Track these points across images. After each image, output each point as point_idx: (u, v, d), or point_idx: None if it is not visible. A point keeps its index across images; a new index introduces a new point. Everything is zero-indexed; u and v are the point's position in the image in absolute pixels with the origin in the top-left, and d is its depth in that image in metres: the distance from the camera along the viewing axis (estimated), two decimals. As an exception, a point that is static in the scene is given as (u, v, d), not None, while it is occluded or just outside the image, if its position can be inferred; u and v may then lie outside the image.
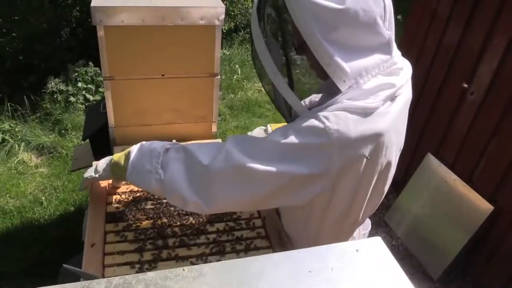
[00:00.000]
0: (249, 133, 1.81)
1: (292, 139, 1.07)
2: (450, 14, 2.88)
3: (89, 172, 1.46)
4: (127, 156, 1.35)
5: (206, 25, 2.10)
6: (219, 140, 2.41)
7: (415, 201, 3.18)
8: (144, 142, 1.34)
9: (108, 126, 2.30)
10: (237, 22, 6.75)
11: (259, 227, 1.46)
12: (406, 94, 1.21)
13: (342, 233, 1.35)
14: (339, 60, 1.03)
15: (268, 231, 1.45)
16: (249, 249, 1.39)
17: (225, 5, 2.18)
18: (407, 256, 3.13)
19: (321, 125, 1.05)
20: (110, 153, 2.37)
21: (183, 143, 1.30)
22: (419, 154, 3.22)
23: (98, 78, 4.40)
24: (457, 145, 2.92)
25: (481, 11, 2.66)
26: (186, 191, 1.17)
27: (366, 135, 1.08)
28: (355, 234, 1.44)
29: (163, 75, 2.21)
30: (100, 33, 2.01)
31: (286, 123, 1.22)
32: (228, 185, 1.13)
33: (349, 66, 1.04)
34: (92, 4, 1.95)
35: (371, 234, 3.23)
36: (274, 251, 1.37)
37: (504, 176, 2.58)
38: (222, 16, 2.10)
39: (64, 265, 1.21)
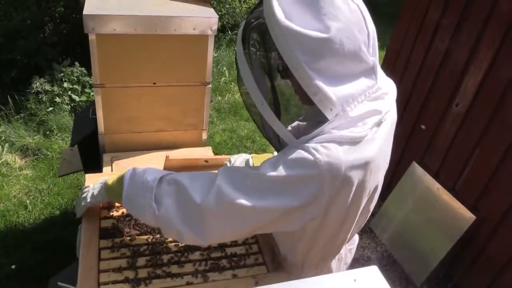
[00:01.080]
0: (231, 158, 1.79)
1: (282, 172, 1.07)
2: (436, 26, 2.94)
3: (86, 198, 1.44)
4: (120, 181, 1.32)
5: (198, 35, 2.11)
6: (209, 148, 2.42)
7: (400, 208, 3.24)
8: (136, 169, 1.31)
9: (98, 132, 2.28)
10: (224, 22, 6.73)
11: (252, 243, 1.48)
12: (391, 117, 1.23)
13: (331, 252, 1.38)
14: (325, 89, 1.03)
15: (261, 248, 1.47)
16: (243, 266, 1.40)
17: (212, 4, 2.18)
18: (391, 262, 3.19)
19: (311, 157, 1.05)
20: (99, 159, 2.36)
21: (175, 166, 1.31)
22: (404, 162, 3.28)
23: (84, 79, 4.34)
24: (442, 154, 2.98)
25: (467, 24, 2.72)
26: (181, 226, 1.17)
27: (356, 164, 1.09)
28: (342, 250, 1.47)
29: (154, 83, 2.20)
30: (92, 41, 2.00)
31: (268, 152, 1.24)
32: (221, 221, 1.15)
33: (336, 94, 1.05)
34: (84, 12, 1.93)
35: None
36: (267, 268, 1.39)
37: (486, 186, 2.65)
38: (215, 26, 2.11)
39: (59, 283, 1.20)
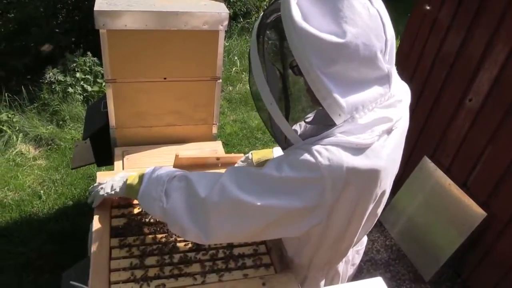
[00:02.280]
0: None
1: (286, 172, 1.08)
2: (451, 20, 2.88)
3: (105, 189, 1.49)
4: (141, 179, 1.37)
5: (209, 30, 2.10)
6: (219, 143, 2.43)
7: (410, 202, 3.23)
8: (157, 167, 1.37)
9: (109, 126, 2.31)
10: (236, 10, 6.67)
11: (260, 243, 1.49)
12: (403, 124, 1.22)
13: (337, 254, 1.39)
14: (336, 94, 1.02)
15: (269, 248, 1.48)
16: (250, 266, 1.42)
17: None
18: (400, 256, 3.19)
19: (313, 160, 1.05)
20: (111, 153, 2.39)
21: (187, 164, 1.32)
22: (415, 156, 3.25)
23: (96, 68, 4.37)
24: (454, 150, 2.95)
25: (483, 19, 2.66)
26: (186, 221, 1.20)
27: (360, 170, 1.08)
28: (349, 252, 1.48)
29: (165, 79, 2.21)
30: (103, 36, 2.01)
31: (271, 146, 1.25)
32: (224, 218, 1.16)
33: (346, 100, 1.03)
34: (95, 8, 1.94)
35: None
36: (275, 269, 1.41)
37: (498, 183, 2.63)
38: (226, 22, 2.10)
39: (71, 282, 1.23)
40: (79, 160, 2.77)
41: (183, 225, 1.21)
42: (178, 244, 1.46)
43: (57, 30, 5.16)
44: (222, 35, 2.14)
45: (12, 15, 5.39)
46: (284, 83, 1.25)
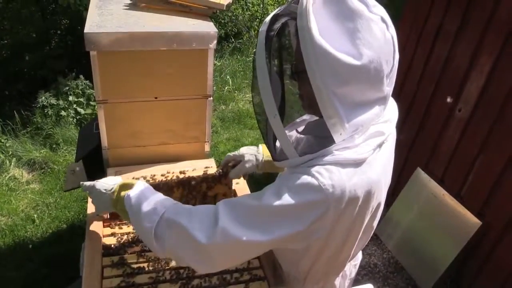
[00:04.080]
0: (237, 152, 1.74)
1: (288, 199, 1.06)
2: (437, 32, 2.95)
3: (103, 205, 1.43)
4: (122, 205, 1.31)
5: (198, 49, 2.13)
6: (212, 160, 2.43)
7: (405, 214, 3.23)
8: (132, 199, 1.28)
9: (102, 147, 2.31)
10: (228, 30, 6.77)
11: (254, 258, 1.49)
12: (392, 138, 1.24)
13: (334, 268, 1.38)
14: (342, 115, 1.02)
15: (262, 262, 1.48)
16: (244, 281, 1.41)
17: (215, 12, 2.21)
18: (398, 269, 3.17)
19: (316, 182, 1.04)
20: (104, 174, 2.38)
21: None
22: (409, 167, 3.27)
23: (89, 91, 4.39)
24: (446, 160, 2.97)
25: (468, 30, 2.72)
26: (190, 262, 1.18)
27: (359, 185, 1.09)
28: (346, 267, 1.47)
29: (156, 98, 2.22)
30: (93, 58, 2.03)
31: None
32: (229, 256, 1.15)
33: (349, 121, 1.03)
34: (85, 30, 1.96)
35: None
36: (268, 283, 1.40)
37: (491, 192, 2.64)
38: (215, 40, 2.13)
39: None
40: (72, 182, 2.76)
41: (189, 264, 1.20)
42: (171, 262, 1.45)
43: (50, 56, 5.21)
44: (211, 53, 2.17)
45: (6, 41, 5.45)
46: (283, 91, 1.25)
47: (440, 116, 3.00)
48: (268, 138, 1.21)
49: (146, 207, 1.23)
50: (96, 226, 1.54)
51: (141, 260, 1.45)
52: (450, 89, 2.89)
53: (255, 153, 1.70)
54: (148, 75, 2.15)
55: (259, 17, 7.09)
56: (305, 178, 1.06)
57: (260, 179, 2.46)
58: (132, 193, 1.28)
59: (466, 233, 2.75)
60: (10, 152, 3.86)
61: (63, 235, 3.16)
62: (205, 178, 1.67)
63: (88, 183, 1.49)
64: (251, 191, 1.85)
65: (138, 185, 1.32)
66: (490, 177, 2.63)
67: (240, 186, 1.95)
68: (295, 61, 1.12)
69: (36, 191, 3.59)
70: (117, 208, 1.35)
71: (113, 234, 1.53)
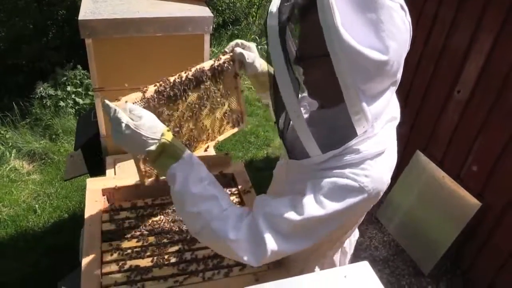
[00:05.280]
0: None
1: (332, 206, 1.04)
2: (436, 12, 2.92)
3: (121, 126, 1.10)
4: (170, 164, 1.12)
5: (194, 34, 2.11)
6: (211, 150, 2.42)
7: (405, 197, 3.24)
8: (187, 179, 1.12)
9: (100, 135, 2.31)
10: (225, 17, 6.72)
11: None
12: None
13: (335, 246, 1.39)
14: (367, 110, 1.00)
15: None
16: (240, 263, 1.41)
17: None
18: (398, 251, 3.19)
19: (356, 184, 1.04)
20: (102, 162, 2.39)
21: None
22: (408, 150, 3.27)
23: (87, 81, 4.38)
24: (445, 142, 2.97)
25: (467, 9, 2.69)
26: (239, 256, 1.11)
27: (387, 173, 1.12)
28: (346, 243, 1.48)
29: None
30: (89, 45, 2.01)
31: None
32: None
33: (371, 113, 1.01)
34: (79, 18, 1.94)
35: (363, 230, 3.29)
36: (267, 265, 1.40)
37: (490, 173, 2.64)
38: (211, 25, 2.11)
39: (62, 287, 1.23)
40: (72, 171, 2.76)
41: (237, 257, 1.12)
42: (171, 245, 1.46)
43: (48, 47, 5.19)
44: (207, 38, 2.16)
45: (3, 34, 5.42)
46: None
47: (439, 98, 2.98)
48: (285, 134, 1.17)
49: (190, 203, 1.11)
50: (95, 212, 1.54)
51: (140, 244, 1.46)
52: (449, 70, 2.87)
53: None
54: (144, 62, 2.14)
55: (257, 4, 7.03)
56: (343, 182, 1.04)
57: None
58: (178, 172, 1.11)
59: (465, 214, 2.76)
60: (10, 144, 3.87)
61: (64, 225, 3.18)
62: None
63: (116, 116, 1.09)
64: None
65: (184, 161, 1.12)
66: (489, 158, 2.62)
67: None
68: (306, 48, 1.08)
69: (37, 181, 3.60)
70: (154, 164, 1.14)
71: (112, 219, 1.54)
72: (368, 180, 1.04)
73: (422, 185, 3.13)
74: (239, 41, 1.48)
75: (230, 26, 6.62)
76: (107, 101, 1.12)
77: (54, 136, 4.05)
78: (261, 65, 1.45)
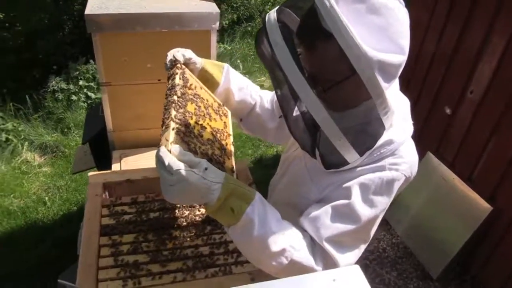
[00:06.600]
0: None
1: (384, 201, 1.09)
2: (448, 13, 2.85)
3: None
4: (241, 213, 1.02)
5: (201, 30, 2.10)
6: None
7: (415, 199, 3.18)
8: (265, 218, 1.04)
9: (107, 130, 2.32)
10: (240, 14, 6.70)
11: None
12: None
13: None
14: (392, 105, 1.01)
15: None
16: (239, 262, 1.40)
17: None
18: (406, 254, 3.14)
19: (400, 174, 1.09)
20: (110, 156, 2.40)
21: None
22: (418, 151, 3.17)
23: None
24: (457, 144, 2.90)
25: (480, 10, 2.62)
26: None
27: (415, 150, 1.17)
28: None
29: (159, 80, 2.21)
30: (95, 40, 2.02)
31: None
32: None
33: (393, 104, 1.02)
34: (86, 12, 1.95)
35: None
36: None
37: (503, 176, 2.57)
38: (217, 21, 2.10)
39: (59, 280, 1.24)
40: (80, 164, 2.79)
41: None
42: (167, 242, 1.45)
43: (63, 42, 5.25)
44: (214, 34, 2.15)
45: (20, 27, 5.49)
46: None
47: (451, 99, 2.92)
48: (319, 148, 1.12)
49: (274, 243, 1.03)
50: (95, 206, 1.55)
51: (138, 240, 1.46)
52: (461, 70, 2.80)
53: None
54: (150, 57, 2.14)
55: (271, 1, 6.99)
56: (388, 175, 1.08)
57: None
58: (256, 216, 1.02)
59: (476, 218, 2.70)
60: (23, 136, 3.92)
61: (73, 217, 3.21)
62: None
63: (176, 166, 0.95)
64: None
65: (257, 202, 1.03)
66: (502, 161, 2.56)
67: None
68: (326, 72, 0.99)
69: (48, 174, 3.65)
70: (218, 212, 1.02)
71: (111, 214, 1.54)
72: (407, 166, 1.11)
73: (432, 187, 3.07)
74: (172, 52, 1.41)
75: (244, 23, 6.59)
76: (162, 150, 0.97)
77: (65, 130, 4.10)
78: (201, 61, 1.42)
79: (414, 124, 1.19)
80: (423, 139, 3.21)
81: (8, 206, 3.26)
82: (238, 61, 5.52)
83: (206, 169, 0.98)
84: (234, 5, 6.68)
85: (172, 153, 0.98)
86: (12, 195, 3.37)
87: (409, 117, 1.18)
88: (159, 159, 0.97)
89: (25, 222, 3.15)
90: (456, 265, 2.92)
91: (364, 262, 3.06)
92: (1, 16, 5.29)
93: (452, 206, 2.89)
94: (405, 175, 1.11)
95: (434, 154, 3.07)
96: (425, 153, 3.13)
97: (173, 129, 1.06)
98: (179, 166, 0.95)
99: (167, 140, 1.02)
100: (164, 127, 1.09)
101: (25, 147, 3.84)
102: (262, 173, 3.36)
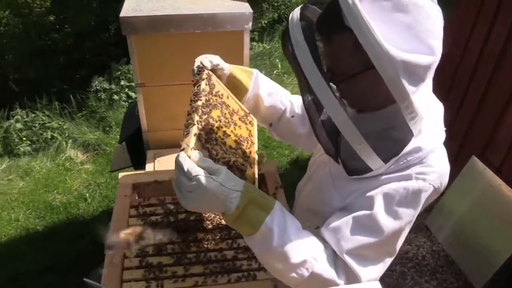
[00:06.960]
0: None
1: (409, 213, 1.04)
2: (497, 9, 2.68)
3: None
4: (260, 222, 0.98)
5: (234, 31, 2.09)
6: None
7: (458, 205, 3.02)
8: (285, 228, 1.01)
9: (141, 130, 2.36)
10: (281, 13, 6.67)
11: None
12: None
13: None
14: (420, 110, 0.94)
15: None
16: (263, 268, 1.37)
17: None
18: (448, 263, 2.99)
19: (427, 184, 1.02)
20: (145, 155, 2.44)
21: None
22: (463, 155, 3.05)
23: (140, 76, 4.52)
24: (505, 148, 2.74)
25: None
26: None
27: (447, 161, 1.10)
28: None
29: (193, 81, 2.22)
30: (130, 42, 2.06)
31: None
32: None
33: (422, 111, 0.95)
34: (121, 15, 1.99)
35: (411, 238, 3.13)
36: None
37: (555, 183, 2.40)
38: (250, 21, 2.08)
39: (85, 279, 1.26)
40: (118, 163, 2.86)
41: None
42: (191, 245, 1.45)
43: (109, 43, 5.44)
44: (247, 34, 2.13)
45: (69, 29, 5.74)
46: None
47: (499, 100, 2.75)
48: (340, 153, 1.10)
49: (294, 254, 1.00)
50: (124, 206, 1.57)
51: (162, 242, 1.46)
52: (509, 72, 2.63)
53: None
54: (184, 58, 2.13)
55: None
56: (414, 185, 1.02)
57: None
58: (275, 226, 0.98)
59: (525, 227, 2.53)
60: (67, 134, 4.09)
61: (112, 214, 3.30)
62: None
63: (195, 172, 0.93)
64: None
65: (276, 211, 1.00)
66: (554, 168, 2.38)
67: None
68: (343, 66, 0.96)
69: (89, 171, 3.78)
70: (237, 221, 0.99)
71: (139, 215, 1.56)
72: (435, 176, 1.03)
73: (477, 193, 2.91)
74: (200, 58, 1.40)
75: (285, 22, 6.56)
76: (181, 155, 0.97)
77: (107, 128, 4.23)
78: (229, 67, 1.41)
79: (458, 128, 1.13)
80: (468, 143, 3.05)
81: (51, 201, 3.41)
82: (277, 60, 5.49)
83: (225, 176, 0.95)
84: (275, 3, 6.66)
85: (191, 159, 0.96)
86: (55, 191, 3.52)
87: (441, 122, 1.10)
88: (178, 164, 0.95)
89: (67, 218, 3.28)
90: (502, 277, 2.75)
91: (402, 270, 2.95)
92: (52, 18, 5.54)
93: (498, 214, 2.73)
94: (433, 186, 1.03)
95: (479, 159, 2.91)
96: (469, 157, 2.97)
97: (194, 134, 1.05)
98: (198, 172, 0.93)
99: (188, 146, 1.01)
100: (186, 132, 1.08)
101: (69, 144, 4.00)
102: (297, 174, 3.31)
